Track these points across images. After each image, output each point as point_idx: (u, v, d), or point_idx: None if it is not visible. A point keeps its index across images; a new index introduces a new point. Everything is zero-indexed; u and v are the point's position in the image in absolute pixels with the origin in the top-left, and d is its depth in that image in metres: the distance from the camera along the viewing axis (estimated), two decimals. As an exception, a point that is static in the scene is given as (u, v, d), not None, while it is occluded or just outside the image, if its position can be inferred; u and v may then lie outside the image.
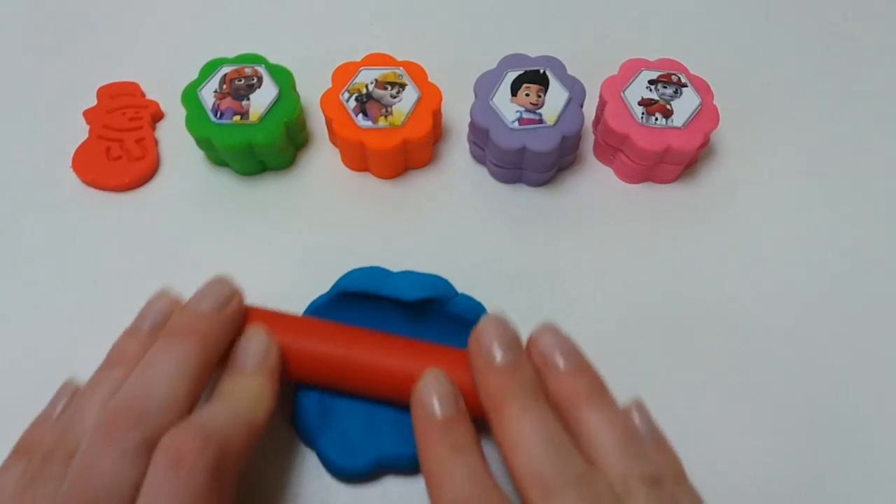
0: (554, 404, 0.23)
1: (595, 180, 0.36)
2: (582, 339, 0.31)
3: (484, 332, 0.24)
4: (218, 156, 0.35)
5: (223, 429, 0.22)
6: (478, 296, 0.30)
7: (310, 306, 0.30)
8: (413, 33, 0.41)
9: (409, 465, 0.28)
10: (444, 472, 0.22)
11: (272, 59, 0.36)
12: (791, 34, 0.42)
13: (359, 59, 0.35)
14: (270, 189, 0.36)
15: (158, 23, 0.42)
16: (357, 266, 0.31)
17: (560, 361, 0.24)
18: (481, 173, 0.36)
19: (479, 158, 0.36)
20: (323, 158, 0.37)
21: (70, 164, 0.35)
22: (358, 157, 0.35)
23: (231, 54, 0.36)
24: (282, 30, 0.42)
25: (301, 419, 0.28)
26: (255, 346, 0.25)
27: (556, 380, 0.24)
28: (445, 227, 0.35)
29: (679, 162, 0.34)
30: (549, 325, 0.25)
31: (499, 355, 0.24)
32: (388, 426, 0.28)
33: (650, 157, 0.34)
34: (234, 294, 0.26)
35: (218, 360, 0.25)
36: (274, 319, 0.27)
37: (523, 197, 0.36)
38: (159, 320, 0.25)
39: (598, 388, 0.24)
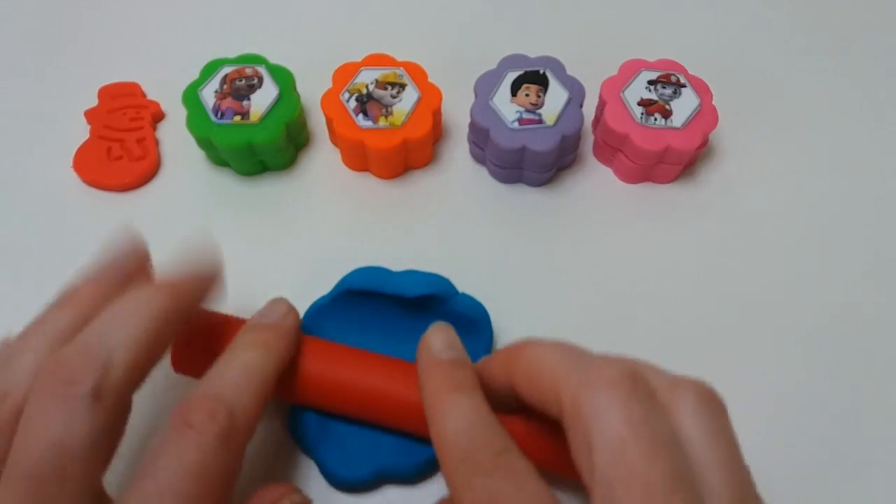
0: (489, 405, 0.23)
1: (594, 180, 0.36)
2: (581, 339, 0.31)
3: (430, 336, 0.25)
4: (219, 156, 0.35)
5: (233, 390, 0.21)
6: (478, 295, 0.30)
7: (312, 306, 0.30)
8: (413, 34, 0.41)
9: (409, 475, 0.28)
10: (445, 406, 0.22)
11: (273, 60, 0.36)
12: (790, 34, 0.42)
13: (359, 60, 0.35)
14: (271, 189, 0.36)
15: (159, 23, 0.42)
16: (357, 265, 0.31)
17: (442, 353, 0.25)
18: (481, 173, 0.37)
19: (479, 158, 0.37)
20: (323, 158, 0.37)
21: (71, 165, 0.36)
22: (358, 157, 0.35)
23: (232, 54, 0.36)
24: (282, 30, 0.42)
25: (300, 429, 0.28)
26: (273, 308, 0.26)
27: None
28: (445, 227, 0.35)
29: (678, 162, 0.34)
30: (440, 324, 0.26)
31: (443, 353, 0.24)
32: (387, 436, 0.28)
33: (649, 157, 0.34)
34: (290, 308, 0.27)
35: (188, 314, 0.24)
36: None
37: (523, 197, 0.36)
38: (117, 259, 0.24)
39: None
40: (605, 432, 0.18)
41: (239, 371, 0.22)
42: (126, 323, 0.21)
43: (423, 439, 0.25)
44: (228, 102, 0.34)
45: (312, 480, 0.28)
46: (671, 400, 0.20)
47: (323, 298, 0.30)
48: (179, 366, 0.27)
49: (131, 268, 0.25)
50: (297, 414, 0.28)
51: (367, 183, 0.36)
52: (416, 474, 0.28)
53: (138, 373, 0.21)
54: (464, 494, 0.20)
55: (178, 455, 0.20)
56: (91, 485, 0.19)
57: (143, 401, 0.23)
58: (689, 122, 0.34)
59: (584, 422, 0.19)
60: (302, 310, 0.31)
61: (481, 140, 0.35)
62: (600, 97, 0.35)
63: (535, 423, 0.24)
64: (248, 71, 0.35)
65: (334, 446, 0.28)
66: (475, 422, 0.21)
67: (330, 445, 0.28)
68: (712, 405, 0.20)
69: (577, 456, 0.19)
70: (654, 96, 0.34)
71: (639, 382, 0.19)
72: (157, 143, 0.37)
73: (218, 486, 0.20)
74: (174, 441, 0.20)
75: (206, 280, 0.26)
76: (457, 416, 0.21)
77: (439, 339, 0.25)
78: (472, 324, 0.30)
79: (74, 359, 0.20)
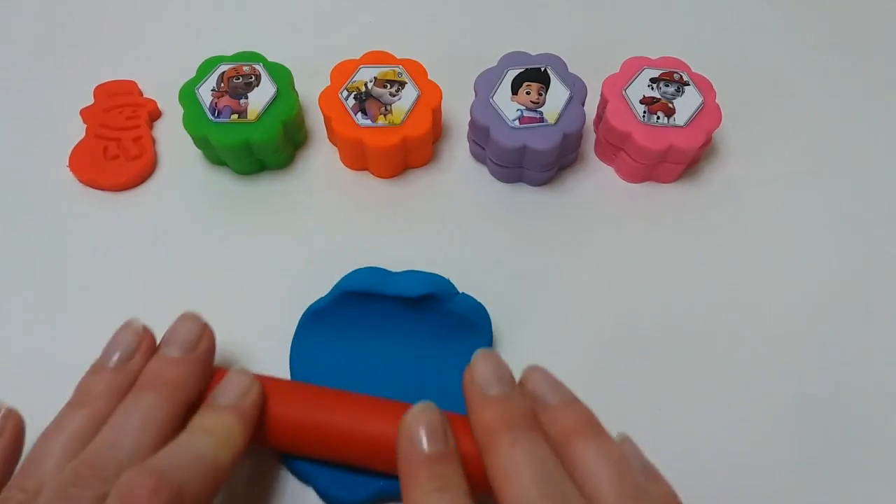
0: (549, 441, 0.23)
1: (596, 179, 0.36)
2: (582, 339, 0.31)
3: (477, 367, 0.24)
4: (216, 154, 0.35)
5: (181, 471, 0.21)
6: (478, 295, 0.30)
7: (310, 308, 0.30)
8: (413, 31, 0.41)
9: None
10: (504, 449, 0.22)
11: (270, 57, 0.35)
12: (794, 33, 0.42)
13: (358, 57, 0.35)
14: (268, 188, 0.35)
15: (156, 21, 0.42)
16: (356, 266, 0.31)
17: (550, 396, 0.24)
18: (481, 172, 0.36)
19: (480, 157, 0.36)
20: (321, 157, 0.37)
21: (67, 164, 0.35)
22: (357, 156, 0.35)
23: (229, 52, 0.35)
24: (280, 28, 0.41)
25: (293, 459, 0.28)
26: (234, 384, 0.25)
27: (549, 414, 0.23)
28: (445, 227, 0.35)
29: (681, 161, 0.34)
30: (537, 366, 0.25)
31: (493, 388, 0.24)
32: None
33: (652, 155, 0.33)
34: (203, 331, 0.26)
35: (191, 403, 0.25)
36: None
37: (524, 196, 0.35)
38: (126, 354, 0.25)
39: (590, 421, 0.23)
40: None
41: (190, 455, 0.22)
42: (135, 432, 0.23)
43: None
44: (226, 101, 0.33)
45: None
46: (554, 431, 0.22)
47: (321, 300, 0.30)
48: None
49: (138, 362, 0.26)
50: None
51: (366, 182, 0.36)
52: None
53: None
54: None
55: None
56: None
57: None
58: (692, 121, 0.33)
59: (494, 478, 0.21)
60: (299, 311, 0.30)
61: (482, 139, 0.34)
62: (602, 95, 0.35)
63: None
64: (246, 69, 0.34)
65: (329, 469, 0.27)
66: (537, 471, 0.21)
67: (325, 468, 0.27)
68: (588, 430, 0.22)
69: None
70: (656, 94, 0.34)
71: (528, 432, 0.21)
72: (153, 141, 0.36)
73: None
74: None
75: (204, 360, 0.26)
76: (519, 462, 0.21)
77: (422, 423, 0.23)
78: (472, 324, 0.30)
79: (86, 470, 0.21)
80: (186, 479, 0.21)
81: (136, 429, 0.23)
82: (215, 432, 0.23)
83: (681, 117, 0.33)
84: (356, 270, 0.30)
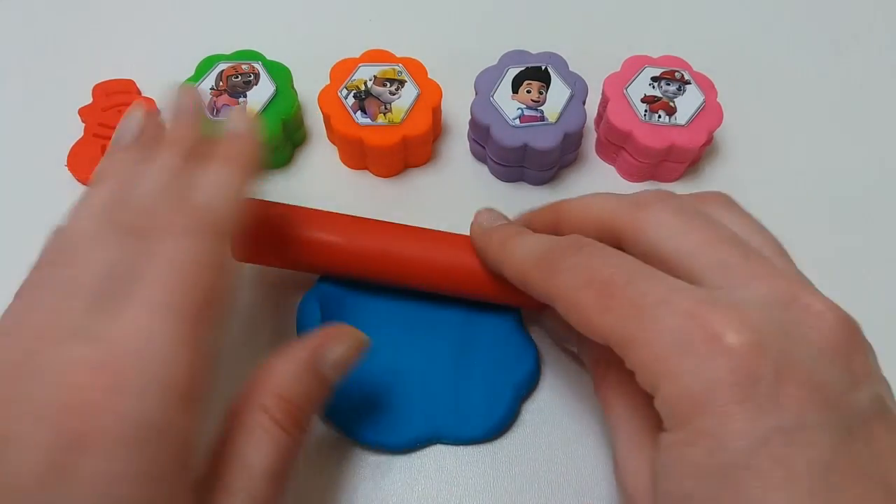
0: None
1: (597, 179, 0.36)
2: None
3: (479, 215, 0.28)
4: (215, 154, 0.35)
5: (216, 202, 0.22)
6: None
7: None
8: (412, 29, 0.41)
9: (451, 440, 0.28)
10: (512, 244, 0.24)
11: (269, 56, 0.35)
12: (795, 31, 0.42)
13: (357, 56, 0.35)
14: (268, 187, 0.35)
15: (154, 19, 0.42)
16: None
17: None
18: (482, 171, 0.36)
19: (480, 156, 0.36)
20: (321, 156, 0.36)
21: (65, 163, 0.35)
22: (356, 155, 0.35)
23: (228, 51, 0.35)
24: (279, 26, 0.41)
25: (336, 412, 0.28)
26: (239, 117, 0.26)
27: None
28: (445, 227, 0.34)
29: (682, 160, 0.34)
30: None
31: (493, 223, 0.27)
32: (423, 399, 0.28)
33: (653, 154, 0.33)
34: (195, 95, 0.27)
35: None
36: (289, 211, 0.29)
37: (524, 195, 0.35)
38: (135, 133, 0.25)
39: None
40: (677, 239, 0.21)
41: (220, 183, 0.23)
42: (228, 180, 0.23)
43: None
44: (224, 99, 0.33)
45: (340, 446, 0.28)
46: (706, 205, 0.23)
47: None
48: (242, 254, 0.28)
49: (149, 135, 0.25)
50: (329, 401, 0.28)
51: (366, 181, 0.36)
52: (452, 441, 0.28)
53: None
54: (557, 278, 0.21)
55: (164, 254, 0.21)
56: None
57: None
58: (693, 120, 0.33)
59: (647, 234, 0.21)
60: (295, 307, 0.30)
61: (482, 137, 0.34)
62: (603, 94, 0.35)
63: None
64: (245, 67, 0.34)
65: (368, 415, 0.28)
66: (546, 240, 0.23)
67: (363, 415, 0.28)
68: (734, 205, 0.24)
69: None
70: (657, 93, 0.34)
71: (680, 198, 0.22)
72: (152, 140, 0.36)
73: (208, 278, 0.21)
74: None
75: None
76: (527, 243, 0.24)
77: (486, 216, 0.27)
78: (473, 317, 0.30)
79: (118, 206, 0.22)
80: (222, 207, 0.22)
81: (159, 172, 0.23)
82: (233, 159, 0.24)
83: (682, 116, 0.33)
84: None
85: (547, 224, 0.25)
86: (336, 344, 0.24)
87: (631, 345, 0.19)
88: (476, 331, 0.30)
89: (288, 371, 0.22)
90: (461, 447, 0.28)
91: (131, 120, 0.25)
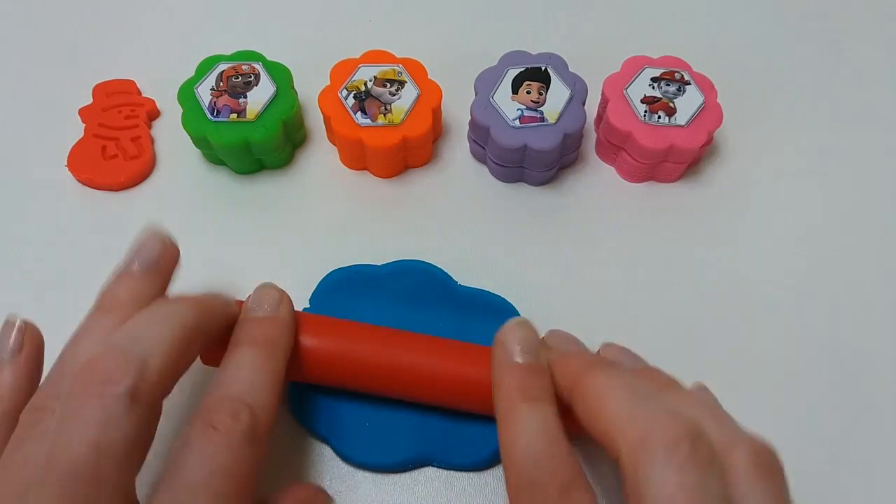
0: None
1: (597, 179, 0.36)
2: (584, 339, 0.31)
3: (507, 332, 0.25)
4: (215, 154, 0.35)
5: (252, 393, 0.22)
6: (478, 296, 0.30)
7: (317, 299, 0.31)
8: (412, 30, 0.41)
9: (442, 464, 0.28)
10: (518, 417, 0.22)
11: (270, 57, 0.35)
12: (795, 32, 0.42)
13: (357, 56, 0.35)
14: (268, 188, 0.35)
15: (155, 20, 0.42)
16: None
17: (626, 362, 0.26)
18: (482, 172, 0.36)
19: (480, 157, 0.36)
20: (321, 157, 0.36)
21: (65, 163, 0.35)
22: (356, 156, 0.35)
23: (228, 51, 0.35)
24: (279, 26, 0.41)
25: (308, 415, 0.28)
26: (266, 297, 0.25)
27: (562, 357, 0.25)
28: (445, 227, 0.34)
29: (682, 160, 0.34)
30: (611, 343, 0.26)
31: (519, 356, 0.24)
32: (410, 418, 0.28)
33: (653, 155, 0.33)
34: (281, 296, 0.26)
35: (216, 324, 0.24)
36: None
37: (524, 196, 0.35)
38: (149, 261, 0.24)
39: (672, 381, 0.24)
40: (659, 495, 0.19)
41: (251, 371, 0.23)
42: (161, 329, 0.22)
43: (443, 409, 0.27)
44: (225, 100, 0.33)
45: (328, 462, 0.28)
46: (728, 459, 0.20)
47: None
48: (209, 358, 0.27)
49: (164, 266, 0.25)
50: (305, 400, 0.28)
51: (366, 182, 0.36)
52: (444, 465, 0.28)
53: (170, 378, 0.21)
54: None
55: (206, 455, 0.20)
56: (125, 488, 0.19)
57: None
58: (693, 120, 0.33)
59: (639, 482, 0.19)
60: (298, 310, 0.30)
61: (482, 138, 0.34)
62: (603, 94, 0.35)
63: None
64: (245, 68, 0.34)
65: (351, 430, 0.28)
66: (545, 445, 0.21)
67: (346, 429, 0.28)
68: (769, 467, 0.20)
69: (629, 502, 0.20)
70: (657, 94, 0.34)
71: (698, 445, 0.19)
72: (152, 141, 0.36)
73: (246, 483, 0.20)
74: (200, 442, 0.20)
75: (230, 304, 0.26)
76: (528, 434, 0.22)
77: (517, 338, 0.24)
78: (474, 311, 0.30)
79: (111, 360, 0.20)
80: (256, 395, 0.22)
81: (165, 322, 0.22)
82: (263, 343, 0.24)
83: (682, 117, 0.33)
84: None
85: (560, 389, 0.24)
86: None
87: None
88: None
89: None
90: (453, 472, 0.28)
91: (147, 244, 0.25)
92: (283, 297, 0.26)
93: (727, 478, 0.19)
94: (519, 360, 0.24)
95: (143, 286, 0.24)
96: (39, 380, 0.23)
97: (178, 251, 0.26)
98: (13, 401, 0.22)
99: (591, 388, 0.22)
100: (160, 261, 0.25)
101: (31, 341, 0.24)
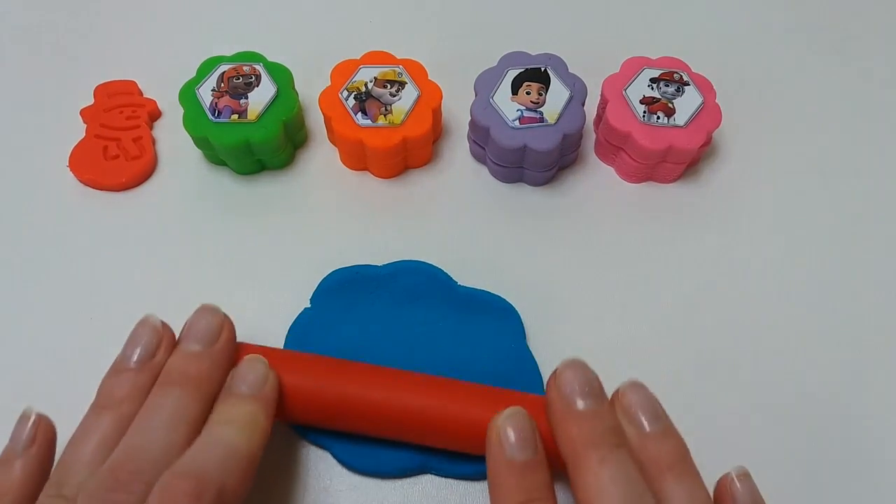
0: (636, 463, 0.22)
1: (596, 179, 0.36)
2: (583, 339, 0.31)
3: (564, 378, 0.24)
4: (216, 155, 0.35)
5: (218, 469, 0.21)
6: (478, 296, 0.30)
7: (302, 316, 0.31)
8: (413, 31, 0.41)
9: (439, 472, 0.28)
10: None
11: (270, 57, 0.35)
12: (794, 33, 0.42)
13: (358, 57, 0.35)
14: (269, 188, 0.35)
15: (156, 21, 0.42)
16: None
17: (646, 423, 0.23)
18: (482, 172, 0.36)
19: (480, 157, 0.36)
20: (322, 157, 0.36)
21: (67, 164, 0.35)
22: (357, 156, 0.35)
23: (229, 52, 0.35)
24: (280, 28, 0.41)
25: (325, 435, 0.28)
26: (251, 372, 0.25)
27: (641, 440, 0.23)
28: (445, 227, 0.34)
29: (681, 161, 0.34)
30: (636, 381, 0.24)
31: (581, 402, 0.23)
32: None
33: (652, 155, 0.33)
34: (223, 324, 0.26)
35: (216, 396, 0.24)
36: (271, 356, 0.26)
37: (524, 196, 0.35)
38: (147, 351, 0.25)
39: (682, 457, 0.23)
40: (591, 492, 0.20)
41: (223, 451, 0.22)
42: (164, 431, 0.22)
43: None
44: (226, 101, 0.33)
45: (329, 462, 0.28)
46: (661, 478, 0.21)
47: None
48: None
49: (161, 356, 0.25)
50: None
51: (366, 182, 0.36)
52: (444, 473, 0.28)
53: None
54: None
55: None
56: None
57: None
58: (692, 121, 0.33)
59: (577, 484, 0.20)
60: (298, 310, 0.31)
61: (482, 139, 0.34)
62: (602, 95, 0.35)
63: None
64: (246, 69, 0.34)
65: (351, 439, 0.27)
66: (626, 493, 0.21)
67: (346, 438, 0.27)
68: (679, 466, 0.21)
69: None
70: (656, 94, 0.34)
71: (628, 462, 0.20)
72: (153, 141, 0.36)
73: None
74: None
75: (226, 352, 0.25)
76: (608, 483, 0.21)
77: (514, 431, 0.23)
78: (487, 302, 0.31)
79: (123, 474, 0.21)
80: (225, 476, 0.21)
81: (166, 427, 0.22)
82: (242, 423, 0.23)
83: (681, 117, 0.33)
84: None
85: (556, 459, 0.24)
86: None
87: None
88: (475, 355, 0.30)
89: None
90: (452, 480, 0.28)
91: (144, 336, 0.25)
92: (270, 374, 0.25)
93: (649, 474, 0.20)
94: (517, 457, 0.23)
95: (140, 380, 0.24)
96: (49, 472, 0.23)
97: (173, 336, 0.26)
98: (21, 494, 0.23)
99: (588, 476, 0.22)
100: (157, 352, 0.25)
101: (44, 434, 0.24)
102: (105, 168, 0.35)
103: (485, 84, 0.34)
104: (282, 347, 0.30)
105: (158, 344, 0.25)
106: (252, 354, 0.26)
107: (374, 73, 0.34)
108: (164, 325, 0.26)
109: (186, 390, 0.23)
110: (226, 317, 0.26)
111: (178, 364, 0.24)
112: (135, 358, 0.25)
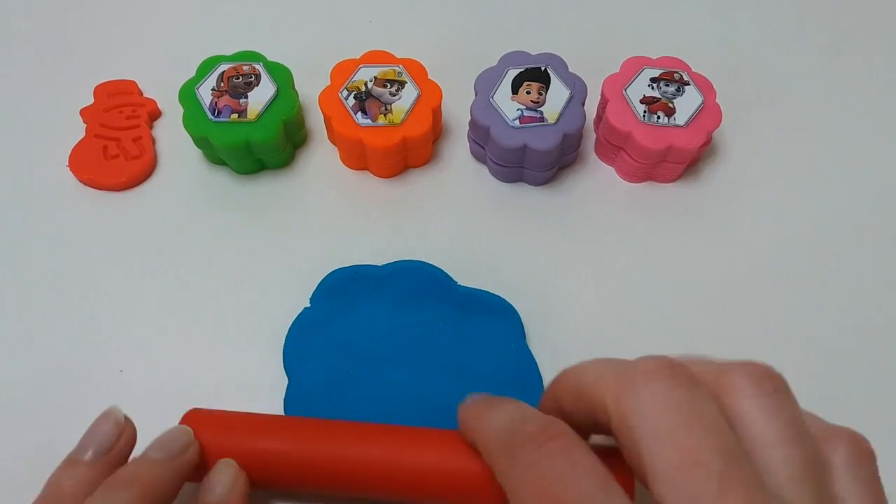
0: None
1: (596, 179, 0.36)
2: (583, 339, 0.31)
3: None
4: (216, 154, 0.35)
5: None
6: (478, 296, 0.30)
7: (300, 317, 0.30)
8: (413, 30, 0.41)
9: None
10: (485, 415, 0.21)
11: (270, 57, 0.35)
12: (794, 32, 0.42)
13: (358, 57, 0.35)
14: (268, 188, 0.35)
15: (156, 20, 0.42)
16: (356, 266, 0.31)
17: None
18: (482, 172, 0.36)
19: (480, 157, 0.36)
20: (321, 157, 0.36)
21: (67, 163, 0.35)
22: (357, 156, 0.35)
23: (229, 52, 0.35)
24: (280, 27, 0.41)
25: None
26: (220, 479, 0.24)
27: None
28: (445, 227, 0.34)
29: (681, 161, 0.34)
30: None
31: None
32: None
33: (652, 155, 0.33)
34: (190, 444, 0.24)
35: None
36: (233, 422, 0.25)
37: (524, 196, 0.35)
38: (102, 448, 0.24)
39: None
40: (650, 422, 0.18)
41: None
42: None
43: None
44: (225, 100, 0.33)
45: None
46: (718, 383, 0.19)
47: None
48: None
49: (117, 452, 0.24)
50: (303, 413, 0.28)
51: (366, 182, 0.36)
52: None
53: None
54: (510, 474, 0.19)
55: None
56: None
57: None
58: (692, 121, 0.33)
59: (628, 418, 0.18)
60: (298, 310, 0.31)
61: (482, 138, 0.34)
62: (602, 95, 0.35)
63: None
64: (246, 68, 0.34)
65: None
66: (515, 412, 0.20)
67: None
68: (762, 384, 0.19)
69: (631, 457, 0.18)
70: (656, 94, 0.34)
71: (677, 370, 0.18)
72: (153, 141, 0.36)
73: None
74: None
75: (185, 469, 0.24)
76: (497, 415, 0.21)
77: (472, 397, 0.23)
78: (487, 302, 0.31)
79: None
80: None
81: None
82: (131, 484, 0.22)
83: (681, 117, 0.33)
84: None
85: (551, 408, 0.22)
86: None
87: None
88: (475, 355, 0.30)
89: None
90: None
91: (103, 429, 0.24)
92: (192, 444, 0.24)
93: (719, 397, 0.19)
94: (478, 400, 0.22)
95: (91, 475, 0.23)
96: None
97: (134, 431, 0.25)
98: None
99: (570, 375, 0.21)
100: (113, 447, 0.24)
101: (126, 441, 0.24)
102: (105, 168, 0.35)
103: (485, 84, 0.34)
104: (281, 346, 0.30)
105: (117, 438, 0.24)
106: (224, 460, 0.24)
107: (374, 73, 0.34)
108: (126, 419, 0.25)
109: (132, 492, 0.22)
110: (194, 439, 0.25)
111: (132, 467, 0.23)
112: (90, 452, 0.23)
